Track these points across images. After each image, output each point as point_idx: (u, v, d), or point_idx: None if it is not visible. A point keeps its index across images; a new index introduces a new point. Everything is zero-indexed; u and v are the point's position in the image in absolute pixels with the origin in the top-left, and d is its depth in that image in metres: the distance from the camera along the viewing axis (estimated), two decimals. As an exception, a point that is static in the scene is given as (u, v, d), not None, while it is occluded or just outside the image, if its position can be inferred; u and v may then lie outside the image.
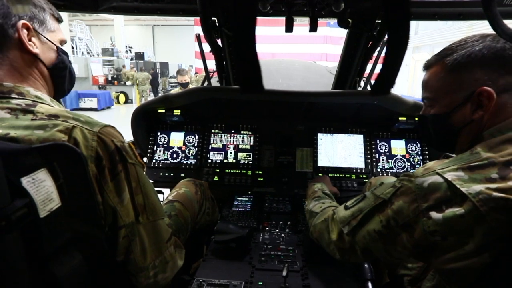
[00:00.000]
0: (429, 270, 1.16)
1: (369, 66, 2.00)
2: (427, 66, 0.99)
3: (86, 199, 0.76)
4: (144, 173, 0.95)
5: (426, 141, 1.10)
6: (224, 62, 1.85)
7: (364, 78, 1.99)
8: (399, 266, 1.33)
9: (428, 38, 14.08)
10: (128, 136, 1.49)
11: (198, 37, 1.87)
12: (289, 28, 1.45)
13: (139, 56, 18.94)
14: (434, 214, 0.77)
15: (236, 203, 1.81)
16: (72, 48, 17.29)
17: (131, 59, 18.55)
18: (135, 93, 14.93)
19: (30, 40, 0.87)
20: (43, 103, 0.84)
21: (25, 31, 0.85)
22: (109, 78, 15.93)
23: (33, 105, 0.80)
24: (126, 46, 19.87)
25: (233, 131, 2.09)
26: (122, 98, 15.44)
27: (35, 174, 0.64)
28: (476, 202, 0.71)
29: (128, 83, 15.17)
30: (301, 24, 8.80)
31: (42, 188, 0.65)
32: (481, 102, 0.85)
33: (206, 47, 1.85)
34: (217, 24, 1.58)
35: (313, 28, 1.42)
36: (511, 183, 0.70)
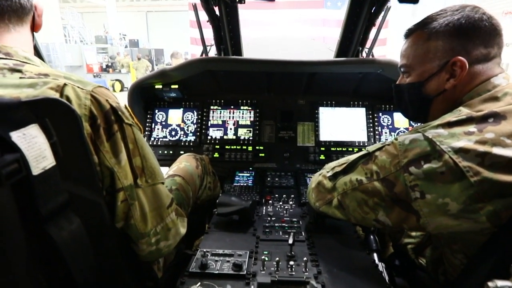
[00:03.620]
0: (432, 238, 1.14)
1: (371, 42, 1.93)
2: (408, 35, 0.99)
3: (82, 160, 0.72)
4: (142, 136, 0.91)
5: (400, 110, 1.13)
6: (222, 33, 1.78)
7: (366, 49, 1.93)
8: (403, 235, 1.32)
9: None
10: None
11: (194, 6, 1.79)
12: None
13: (134, 43, 18.54)
14: (414, 169, 0.78)
15: (237, 178, 1.78)
16: (65, 36, 16.87)
17: (126, 47, 18.18)
18: (132, 81, 14.68)
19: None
20: (32, 64, 0.80)
21: (39, 7, 0.88)
22: (104, 66, 15.63)
23: (21, 65, 0.75)
24: (120, 33, 19.43)
25: (232, 106, 2.04)
26: (118, 86, 15.17)
27: (26, 130, 0.60)
28: (455, 158, 0.72)
29: (123, 70, 14.90)
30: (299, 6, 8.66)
31: (34, 144, 0.60)
32: (454, 71, 0.87)
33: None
34: None
35: None
36: (488, 135, 0.71)
